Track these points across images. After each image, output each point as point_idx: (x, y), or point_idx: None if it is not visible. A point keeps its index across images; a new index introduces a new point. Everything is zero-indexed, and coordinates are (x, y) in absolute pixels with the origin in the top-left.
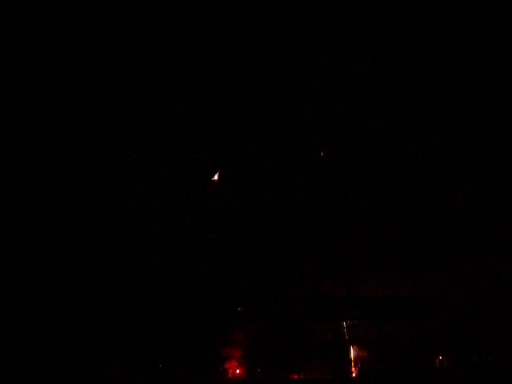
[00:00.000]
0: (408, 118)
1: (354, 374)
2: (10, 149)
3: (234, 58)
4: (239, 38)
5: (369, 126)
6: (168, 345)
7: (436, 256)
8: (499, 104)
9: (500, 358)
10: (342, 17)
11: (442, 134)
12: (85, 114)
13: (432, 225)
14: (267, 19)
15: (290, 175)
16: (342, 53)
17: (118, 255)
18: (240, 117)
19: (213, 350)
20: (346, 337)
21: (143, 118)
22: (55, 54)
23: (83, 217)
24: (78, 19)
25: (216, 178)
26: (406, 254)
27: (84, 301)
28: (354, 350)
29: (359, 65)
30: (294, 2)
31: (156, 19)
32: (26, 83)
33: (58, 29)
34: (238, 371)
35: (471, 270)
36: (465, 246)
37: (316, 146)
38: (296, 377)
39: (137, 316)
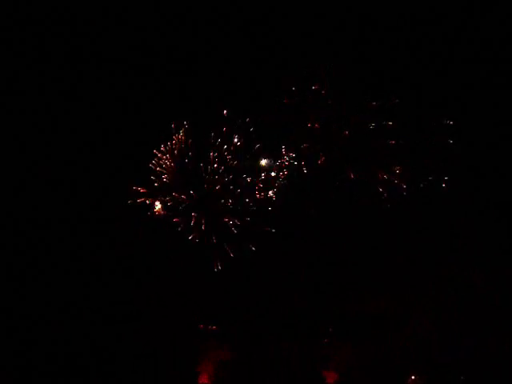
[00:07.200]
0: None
1: None
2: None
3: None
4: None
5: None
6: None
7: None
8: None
9: (472, 377)
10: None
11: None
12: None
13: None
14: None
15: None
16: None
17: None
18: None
19: (186, 367)
20: (319, 356)
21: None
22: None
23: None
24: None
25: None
26: (382, 272)
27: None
28: (327, 371)
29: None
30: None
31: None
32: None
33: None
34: None
35: (445, 290)
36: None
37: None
38: None
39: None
